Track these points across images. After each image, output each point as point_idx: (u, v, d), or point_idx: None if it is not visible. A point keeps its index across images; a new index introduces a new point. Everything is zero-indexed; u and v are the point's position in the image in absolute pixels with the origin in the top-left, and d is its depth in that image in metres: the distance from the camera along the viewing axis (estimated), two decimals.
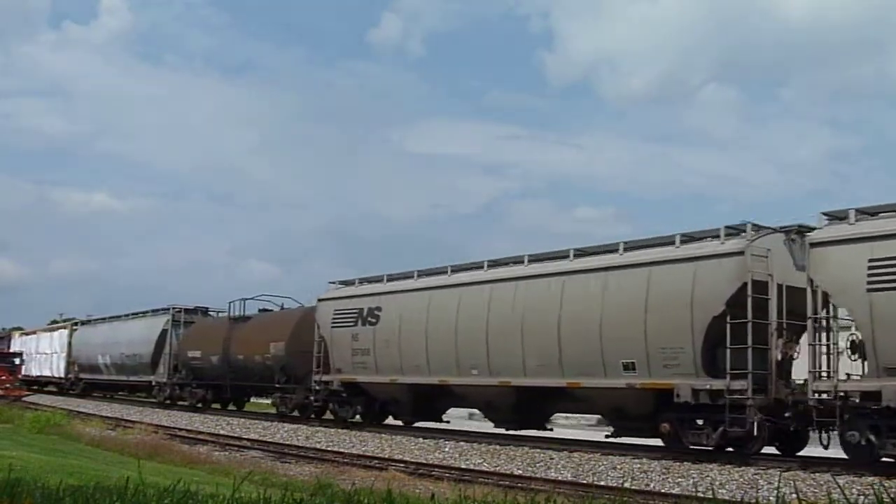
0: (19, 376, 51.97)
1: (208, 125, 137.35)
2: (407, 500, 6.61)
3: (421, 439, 21.15)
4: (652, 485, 14.22)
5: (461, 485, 13.29)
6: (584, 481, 14.77)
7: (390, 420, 25.29)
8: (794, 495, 10.95)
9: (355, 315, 24.19)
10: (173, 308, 36.69)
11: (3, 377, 45.13)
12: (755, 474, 14.10)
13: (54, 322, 59.61)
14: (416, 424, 23.87)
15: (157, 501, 4.92)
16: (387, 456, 19.19)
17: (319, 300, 26.11)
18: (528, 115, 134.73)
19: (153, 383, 36.41)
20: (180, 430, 26.60)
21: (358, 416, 24.89)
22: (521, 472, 16.29)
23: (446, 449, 19.47)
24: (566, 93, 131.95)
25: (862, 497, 9.94)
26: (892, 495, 3.67)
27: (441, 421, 23.73)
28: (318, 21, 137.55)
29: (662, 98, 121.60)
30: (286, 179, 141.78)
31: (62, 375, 47.18)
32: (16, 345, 56.43)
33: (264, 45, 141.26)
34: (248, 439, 23.84)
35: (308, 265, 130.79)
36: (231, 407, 34.27)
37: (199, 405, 33.50)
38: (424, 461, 18.16)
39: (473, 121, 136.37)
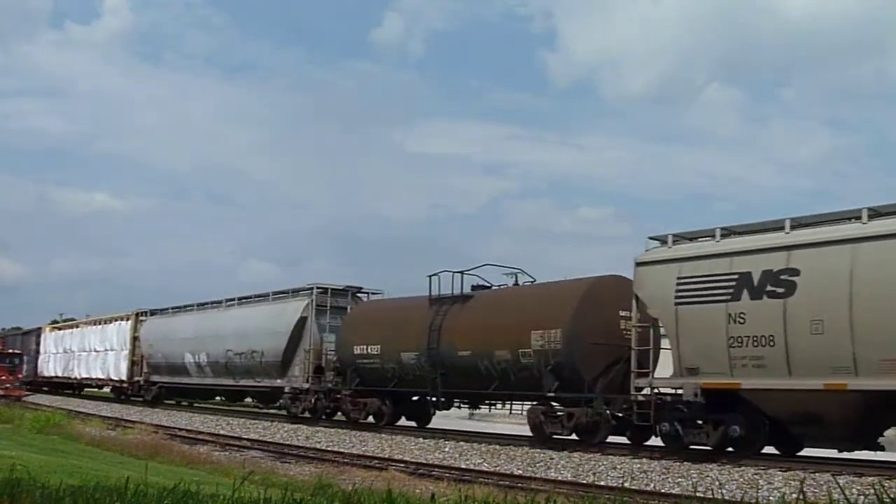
0: (36, 377, 50.34)
1: (209, 125, 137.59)
2: (407, 500, 6.61)
3: (421, 439, 21.15)
4: (652, 485, 14.21)
5: (461, 485, 13.29)
6: (584, 481, 14.77)
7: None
8: (794, 495, 10.94)
9: (732, 282, 15.91)
10: (317, 288, 27.09)
11: (3, 377, 45.10)
12: (755, 474, 14.10)
13: (54, 322, 58.98)
14: (411, 426, 23.71)
15: (157, 501, 4.92)
16: (387, 456, 19.19)
17: (640, 264, 17.68)
18: (529, 116, 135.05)
19: (285, 390, 27.11)
20: (180, 430, 26.61)
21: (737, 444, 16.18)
22: (521, 472, 16.29)
23: (446, 449, 19.47)
24: (568, 93, 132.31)
25: (862, 497, 9.94)
26: (891, 495, 3.67)
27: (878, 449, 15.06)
28: (319, 21, 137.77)
29: (664, 98, 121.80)
30: (286, 179, 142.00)
31: (123, 378, 38.78)
32: (47, 341, 50.16)
33: (265, 45, 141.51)
34: (248, 439, 23.84)
35: (308, 265, 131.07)
36: (440, 424, 24.61)
37: (373, 421, 24.21)
38: (424, 461, 18.16)
39: (474, 121, 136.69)
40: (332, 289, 27.19)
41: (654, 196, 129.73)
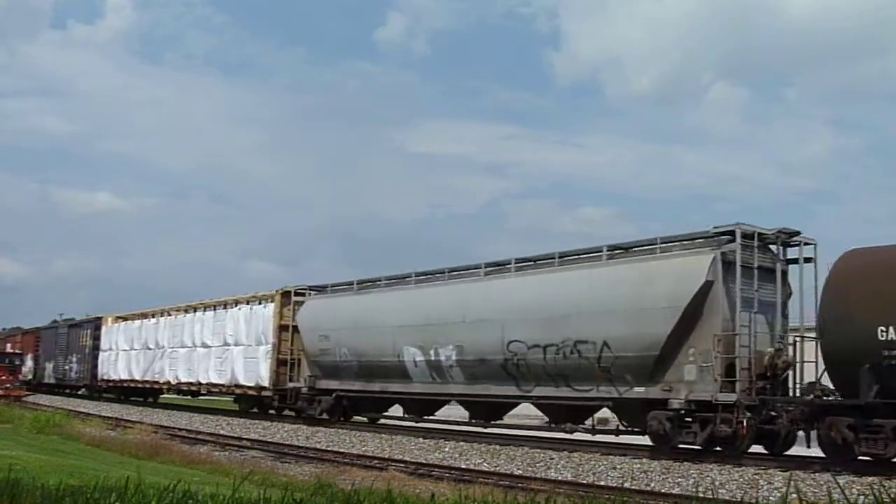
0: (95, 381, 41.65)
1: (210, 125, 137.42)
2: (407, 500, 6.62)
3: (421, 439, 21.15)
4: (652, 485, 14.21)
5: (461, 485, 13.28)
6: (584, 481, 14.78)
7: (391, 420, 25.23)
8: (794, 495, 10.94)
9: None
10: (742, 230, 16.49)
11: (3, 377, 45.09)
12: (755, 474, 14.11)
13: (54, 321, 58.52)
14: (417, 424, 23.70)
15: (157, 501, 4.92)
16: (387, 456, 19.19)
17: None
18: (531, 115, 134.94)
19: (674, 405, 16.35)
20: (180, 430, 26.61)
21: None
22: (521, 472, 16.29)
23: (446, 449, 19.47)
24: (571, 93, 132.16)
25: (862, 497, 9.94)
26: (891, 495, 3.67)
27: None
28: (321, 21, 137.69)
29: (667, 98, 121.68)
30: (288, 179, 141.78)
31: (263, 384, 27.59)
32: (113, 335, 40.04)
33: (266, 45, 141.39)
34: (248, 439, 23.84)
35: (309, 265, 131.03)
36: None
37: None
38: (424, 461, 18.16)
39: (476, 121, 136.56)
40: (759, 233, 16.82)
41: (657, 196, 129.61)
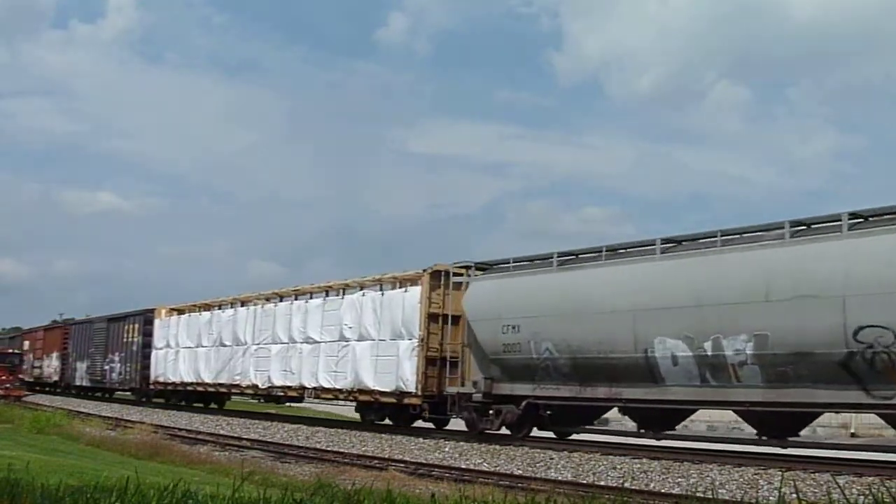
0: (146, 385, 36.32)
1: (212, 124, 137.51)
2: (407, 500, 6.61)
3: (421, 439, 21.15)
4: (652, 485, 14.21)
5: (461, 485, 13.28)
6: (584, 481, 14.77)
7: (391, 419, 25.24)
8: (795, 495, 10.93)
9: None
10: None
11: (3, 377, 45.09)
12: (755, 474, 14.10)
13: (56, 322, 57.97)
14: (415, 424, 23.71)
15: (157, 501, 4.92)
16: (387, 456, 19.18)
17: None
18: (535, 115, 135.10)
19: None
20: (180, 430, 26.59)
21: None
22: (521, 472, 16.28)
23: (446, 449, 19.46)
24: (574, 92, 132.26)
25: (862, 497, 9.93)
26: (892, 495, 3.67)
27: None
28: (323, 21, 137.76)
29: (670, 98, 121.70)
30: (289, 179, 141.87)
31: (406, 388, 21.75)
32: (171, 329, 34.26)
33: (267, 44, 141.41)
34: (248, 439, 23.83)
35: (311, 265, 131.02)
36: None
37: None
38: (424, 461, 18.15)
39: (477, 120, 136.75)
40: None
41: (660, 196, 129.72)
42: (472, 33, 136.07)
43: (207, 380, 31.34)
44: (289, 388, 26.85)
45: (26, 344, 54.60)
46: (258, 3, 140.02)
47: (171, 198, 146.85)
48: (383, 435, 22.34)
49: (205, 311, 32.94)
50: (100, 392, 45.07)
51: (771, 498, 12.27)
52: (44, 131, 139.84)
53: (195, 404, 35.15)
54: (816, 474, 13.72)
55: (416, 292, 22.05)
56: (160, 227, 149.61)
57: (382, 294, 23.31)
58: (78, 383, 45.20)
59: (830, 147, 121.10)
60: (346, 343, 23.99)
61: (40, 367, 51.89)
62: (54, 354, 49.24)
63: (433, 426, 22.78)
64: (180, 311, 35.20)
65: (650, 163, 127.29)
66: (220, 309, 31.76)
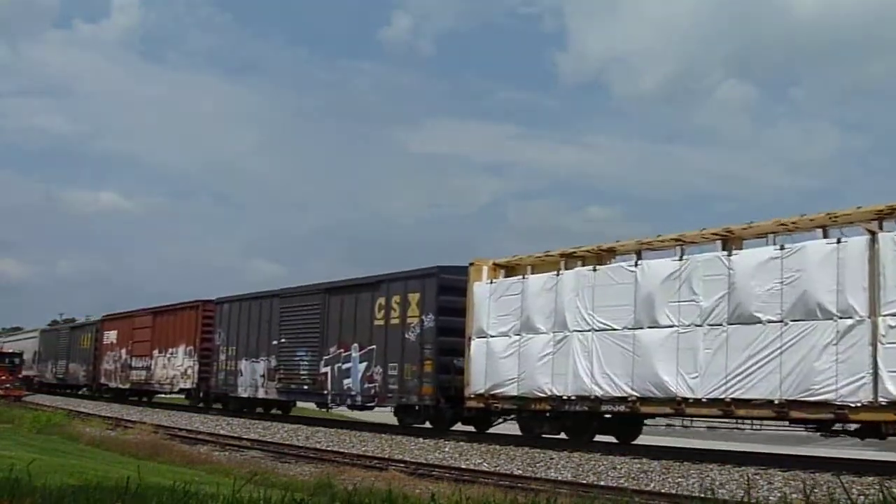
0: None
1: (213, 124, 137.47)
2: (407, 500, 6.61)
3: (421, 439, 21.14)
4: (652, 485, 14.20)
5: (461, 485, 13.28)
6: (584, 481, 14.77)
7: (390, 419, 25.22)
8: (795, 495, 10.94)
9: None
10: None
11: (3, 377, 45.08)
12: (755, 474, 14.10)
13: (53, 322, 57.08)
14: (415, 424, 23.63)
15: (157, 501, 4.92)
16: (387, 456, 19.17)
17: None
18: (537, 115, 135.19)
19: None
20: (180, 430, 26.58)
21: None
22: (521, 472, 16.28)
23: (446, 449, 19.46)
24: (576, 92, 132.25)
25: (862, 497, 9.94)
26: (893, 495, 3.67)
27: None
28: (326, 20, 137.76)
29: (673, 97, 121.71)
30: (290, 179, 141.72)
31: None
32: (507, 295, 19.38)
33: (269, 44, 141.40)
34: (248, 439, 23.82)
35: (313, 265, 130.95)
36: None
37: None
38: (424, 461, 18.14)
39: (480, 120, 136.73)
40: None
41: (663, 196, 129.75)
42: (475, 33, 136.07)
43: (621, 391, 17.05)
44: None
45: (111, 335, 40.56)
46: (259, 3, 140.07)
47: (173, 198, 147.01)
48: (383, 435, 22.34)
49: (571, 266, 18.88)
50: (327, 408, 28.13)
51: (771, 498, 12.27)
52: (45, 131, 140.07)
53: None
54: (816, 474, 13.72)
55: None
56: (162, 226, 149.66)
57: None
58: (250, 394, 29.15)
59: (834, 147, 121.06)
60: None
61: (148, 369, 36.12)
62: (180, 350, 33.60)
63: None
64: (534, 267, 19.94)
65: (654, 162, 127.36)
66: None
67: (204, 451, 20.89)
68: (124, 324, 39.59)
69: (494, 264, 20.94)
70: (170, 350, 34.43)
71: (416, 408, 22.45)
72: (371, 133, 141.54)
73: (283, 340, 27.63)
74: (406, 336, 22.37)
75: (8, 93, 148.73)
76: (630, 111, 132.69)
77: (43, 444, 17.81)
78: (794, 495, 10.93)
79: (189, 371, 32.63)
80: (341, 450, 20.67)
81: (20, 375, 47.90)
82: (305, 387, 26.56)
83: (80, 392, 47.12)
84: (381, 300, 23.40)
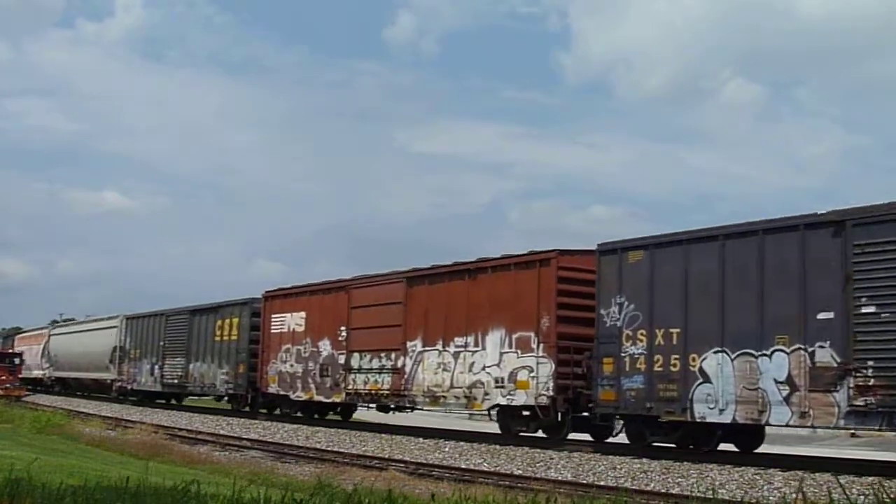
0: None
1: (215, 124, 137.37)
2: (407, 500, 6.62)
3: (421, 439, 21.15)
4: (652, 485, 14.21)
5: (461, 485, 13.29)
6: (584, 481, 14.77)
7: (392, 420, 25.21)
8: (795, 495, 10.94)
9: None
10: None
11: (3, 377, 45.07)
12: (755, 474, 14.10)
13: (52, 322, 56.89)
14: (416, 424, 23.61)
15: (157, 501, 4.92)
16: (387, 456, 19.18)
17: None
18: (541, 115, 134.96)
19: None
20: (180, 430, 26.58)
21: None
22: (521, 472, 16.28)
23: (446, 449, 19.46)
24: (581, 92, 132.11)
25: (862, 497, 9.94)
26: (891, 495, 3.67)
27: None
28: (328, 20, 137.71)
29: (678, 97, 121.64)
30: (292, 179, 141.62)
31: None
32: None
33: (271, 44, 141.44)
34: (248, 439, 23.82)
35: (315, 265, 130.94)
36: None
37: None
38: (424, 461, 18.15)
39: (483, 120, 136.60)
40: None
41: (667, 196, 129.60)
42: (479, 33, 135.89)
43: None
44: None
45: (291, 319, 26.96)
46: (260, 3, 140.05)
47: (175, 198, 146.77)
48: (383, 435, 22.34)
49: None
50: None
51: (771, 498, 12.28)
52: (48, 130, 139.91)
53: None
54: (816, 474, 13.72)
55: None
56: (164, 227, 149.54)
57: None
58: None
59: (837, 146, 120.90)
60: None
61: (395, 371, 22.36)
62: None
63: None
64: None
65: (658, 162, 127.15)
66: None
67: (204, 451, 20.89)
68: (329, 301, 24.80)
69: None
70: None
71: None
72: (373, 133, 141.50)
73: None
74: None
75: (10, 92, 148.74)
76: (634, 111, 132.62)
77: (43, 444, 17.82)
78: (794, 495, 10.92)
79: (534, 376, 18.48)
80: (341, 450, 20.67)
81: (20, 375, 47.86)
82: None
83: (223, 401, 32.98)
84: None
